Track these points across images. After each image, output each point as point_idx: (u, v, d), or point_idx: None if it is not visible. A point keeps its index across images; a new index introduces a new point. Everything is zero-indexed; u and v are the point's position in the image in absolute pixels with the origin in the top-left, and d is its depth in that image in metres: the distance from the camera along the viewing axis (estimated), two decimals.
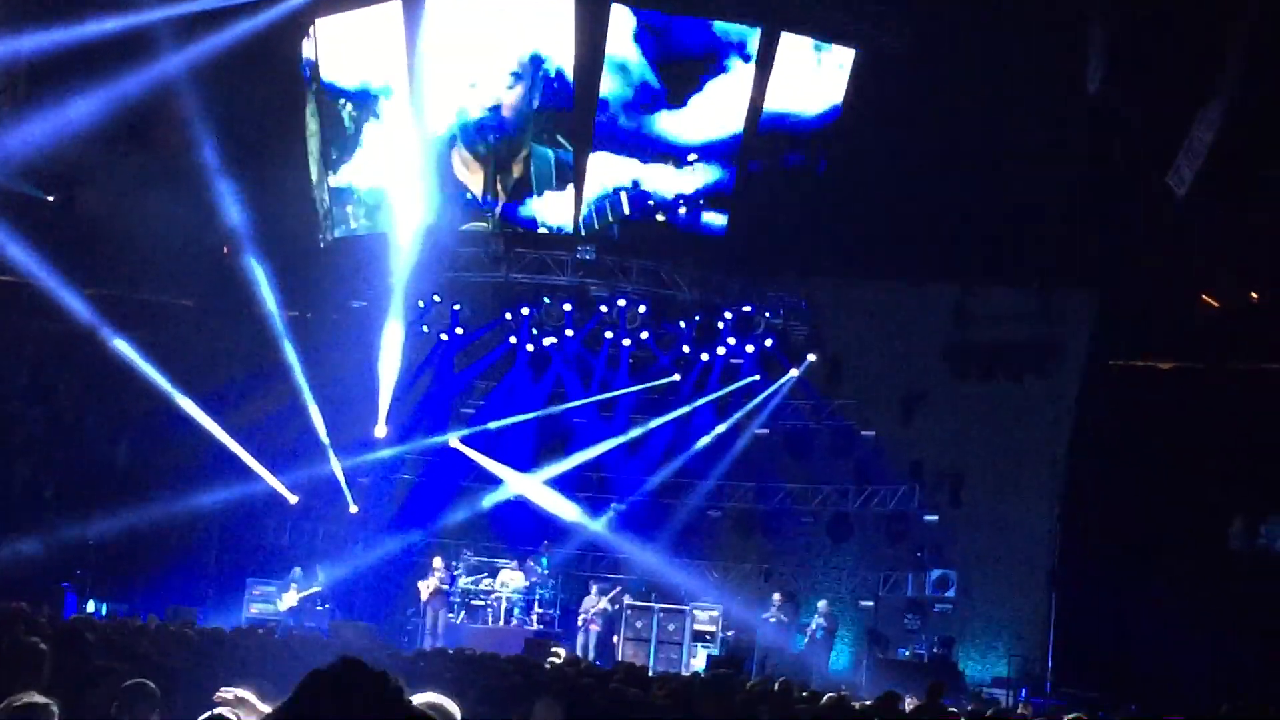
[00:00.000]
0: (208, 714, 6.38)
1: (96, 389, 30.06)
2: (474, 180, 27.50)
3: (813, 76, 26.68)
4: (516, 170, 27.34)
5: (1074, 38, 23.76)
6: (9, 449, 29.88)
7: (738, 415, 30.36)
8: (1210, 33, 22.10)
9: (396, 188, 27.62)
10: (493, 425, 30.66)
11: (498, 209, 27.65)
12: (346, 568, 29.56)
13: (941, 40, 25.57)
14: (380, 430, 29.58)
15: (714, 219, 27.50)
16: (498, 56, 26.57)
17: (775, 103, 26.54)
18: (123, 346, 27.11)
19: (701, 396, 30.51)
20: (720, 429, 30.39)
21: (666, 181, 27.26)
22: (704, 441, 30.44)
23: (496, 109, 26.86)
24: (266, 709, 6.43)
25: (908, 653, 28.04)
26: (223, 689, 6.51)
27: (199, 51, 24.46)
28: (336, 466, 29.43)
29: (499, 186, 27.43)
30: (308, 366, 28.62)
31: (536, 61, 26.28)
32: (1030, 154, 25.71)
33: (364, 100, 27.50)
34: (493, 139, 27.11)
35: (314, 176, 28.59)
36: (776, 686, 14.38)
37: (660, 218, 27.41)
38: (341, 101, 27.65)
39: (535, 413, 30.92)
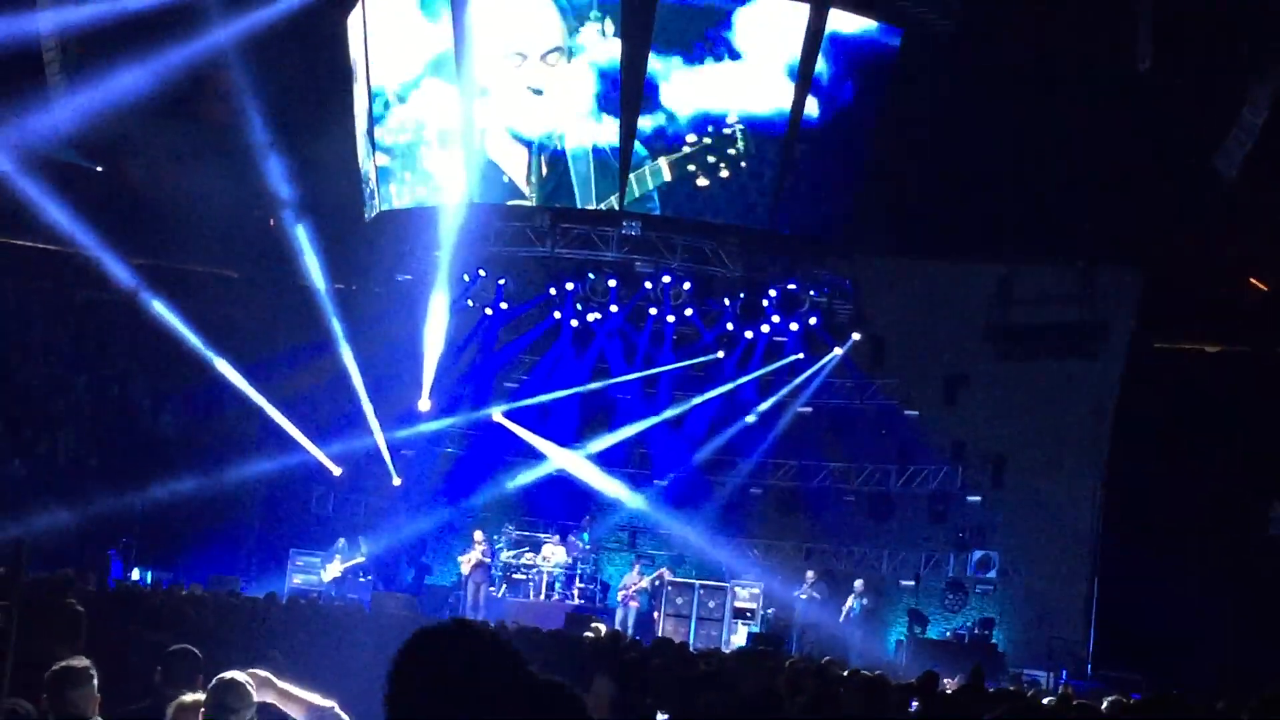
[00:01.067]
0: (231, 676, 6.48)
1: (142, 359, 30.23)
2: (515, 166, 27.38)
3: None
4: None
5: (1123, 15, 23.59)
6: (54, 418, 30.07)
7: (781, 393, 30.32)
8: (1261, 12, 21.93)
9: (440, 164, 27.64)
10: (536, 400, 30.72)
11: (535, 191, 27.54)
12: (388, 540, 29.75)
13: (989, 18, 25.42)
14: (424, 404, 29.66)
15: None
16: (541, 35, 26.50)
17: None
18: (168, 316, 27.23)
19: (744, 374, 30.39)
20: (763, 407, 30.35)
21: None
22: (748, 419, 30.42)
23: (539, 91, 26.78)
24: (286, 686, 6.48)
25: (948, 633, 28.05)
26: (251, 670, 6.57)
27: (246, 25, 24.55)
28: (380, 439, 29.54)
29: (544, 169, 27.29)
30: (352, 339, 28.71)
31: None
32: (1077, 133, 25.55)
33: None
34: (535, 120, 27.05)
35: (360, 155, 28.64)
36: (819, 665, 14.36)
37: (702, 181, 27.05)
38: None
39: (579, 388, 30.90)
